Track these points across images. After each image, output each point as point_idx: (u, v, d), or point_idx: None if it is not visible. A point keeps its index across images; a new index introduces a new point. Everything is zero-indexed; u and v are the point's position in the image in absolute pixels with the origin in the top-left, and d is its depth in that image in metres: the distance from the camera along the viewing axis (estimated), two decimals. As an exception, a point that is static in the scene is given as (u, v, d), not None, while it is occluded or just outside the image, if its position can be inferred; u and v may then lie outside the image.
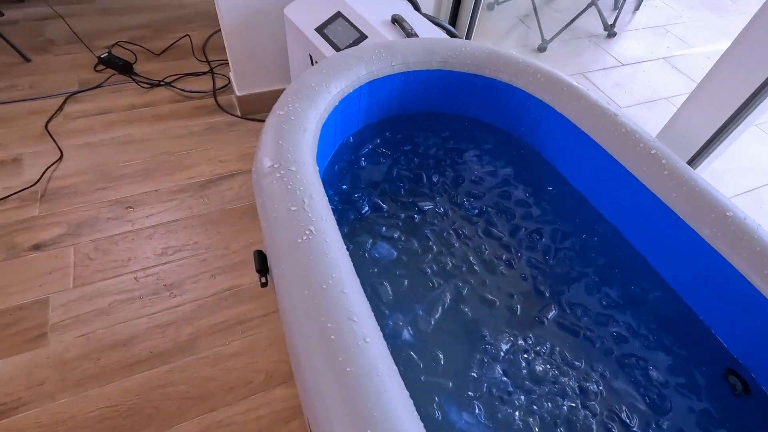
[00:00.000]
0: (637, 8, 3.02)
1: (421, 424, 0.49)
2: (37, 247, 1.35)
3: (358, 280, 0.60)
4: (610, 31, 2.70)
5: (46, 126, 1.67)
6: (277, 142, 0.73)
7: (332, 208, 0.82)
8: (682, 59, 2.65)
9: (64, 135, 1.66)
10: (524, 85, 0.97)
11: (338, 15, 1.31)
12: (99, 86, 1.85)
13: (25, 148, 1.61)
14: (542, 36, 2.53)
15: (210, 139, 1.71)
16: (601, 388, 0.71)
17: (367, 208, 0.87)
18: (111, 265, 1.33)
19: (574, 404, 0.69)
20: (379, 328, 0.56)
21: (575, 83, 0.93)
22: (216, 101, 1.85)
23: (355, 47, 0.95)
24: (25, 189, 1.48)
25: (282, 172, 0.68)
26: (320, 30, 1.31)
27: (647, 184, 0.81)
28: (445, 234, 0.86)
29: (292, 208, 0.64)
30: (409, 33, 1.19)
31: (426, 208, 0.90)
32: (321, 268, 0.58)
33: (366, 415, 0.46)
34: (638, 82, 2.42)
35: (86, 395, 1.10)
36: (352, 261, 0.61)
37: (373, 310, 0.65)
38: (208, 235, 1.43)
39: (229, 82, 1.90)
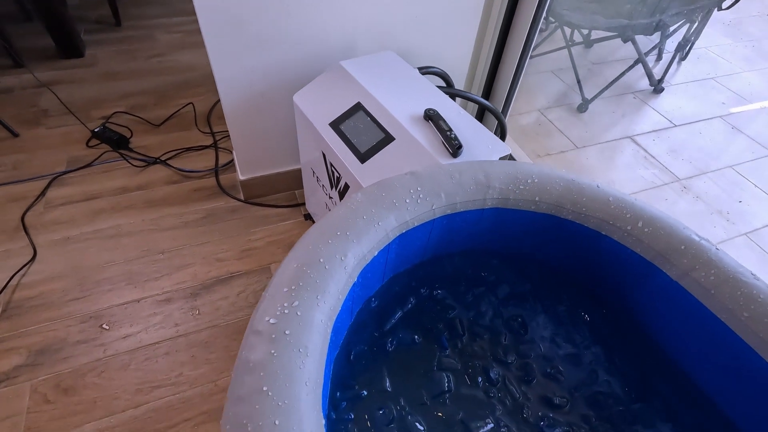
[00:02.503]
0: (683, 58, 2.75)
1: None
2: (-14, 385, 1.11)
3: None
4: (657, 87, 2.43)
5: (23, 218, 1.46)
6: (278, 304, 0.47)
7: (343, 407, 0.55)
8: (740, 117, 2.36)
9: (42, 228, 1.44)
10: (618, 235, 0.70)
11: (358, 107, 1.07)
12: (89, 165, 1.65)
13: (-5, 246, 1.39)
14: (582, 94, 2.27)
15: (208, 230, 1.47)
16: None
17: (394, 413, 0.59)
18: (72, 410, 1.07)
19: None
20: None
21: (701, 239, 0.65)
22: (218, 182, 1.63)
23: (380, 184, 0.69)
24: (-16, 303, 1.25)
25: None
26: (335, 125, 1.07)
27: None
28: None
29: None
30: (448, 137, 0.94)
31: (476, 424, 0.61)
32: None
33: None
34: (695, 146, 2.13)
35: None
36: None
37: None
38: (195, 365, 1.17)
39: (234, 159, 1.68)
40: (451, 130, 0.95)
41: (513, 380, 0.67)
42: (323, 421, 0.44)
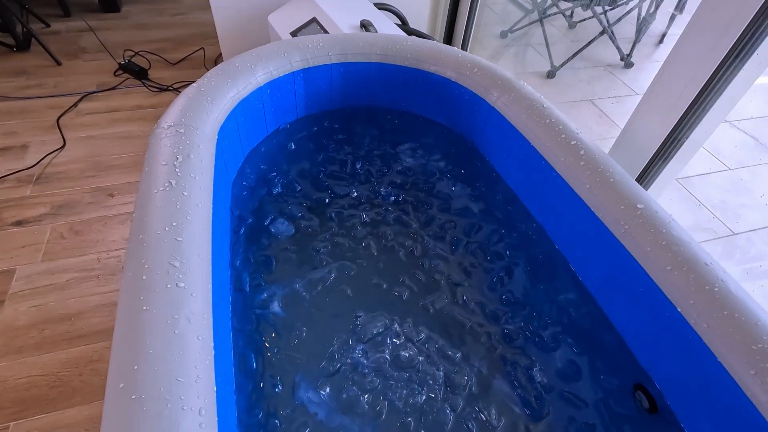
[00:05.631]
0: (660, 41, 2.93)
1: (211, 376, 0.46)
2: (18, 223, 1.44)
3: (208, 236, 0.59)
4: (627, 61, 2.62)
5: (58, 120, 1.82)
6: (180, 108, 0.75)
7: (244, 184, 0.82)
8: (705, 92, 2.51)
9: (72, 128, 1.80)
10: (462, 80, 0.96)
11: (313, 20, 1.36)
12: (113, 88, 2.01)
13: (35, 137, 1.76)
14: (551, 62, 2.49)
15: (201, 139, 1.79)
16: (471, 383, 0.64)
17: (279, 188, 0.86)
18: (80, 244, 1.40)
19: (433, 395, 0.62)
20: (208, 279, 0.54)
21: (509, 75, 0.91)
22: (214, 106, 1.95)
23: (296, 37, 0.98)
24: (22, 170, 1.60)
25: (170, 132, 0.70)
26: (294, 34, 1.37)
27: (563, 175, 0.75)
28: (351, 217, 0.84)
29: (163, 164, 0.65)
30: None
31: (341, 192, 0.88)
32: (165, 215, 0.57)
33: (141, 351, 0.44)
34: (651, 111, 2.31)
35: (23, 362, 1.13)
36: (246, 235, 0.61)
37: (249, 282, 0.65)
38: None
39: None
40: (377, 32, 1.22)
41: (374, 171, 0.93)
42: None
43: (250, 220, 0.80)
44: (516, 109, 0.86)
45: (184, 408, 0.42)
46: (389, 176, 0.92)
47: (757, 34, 0.76)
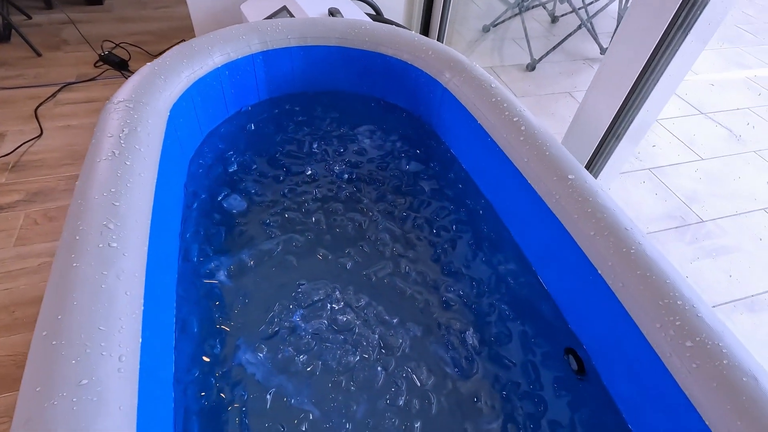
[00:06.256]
0: (641, 35, 2.96)
1: (137, 328, 0.48)
2: (-8, 209, 1.46)
3: (148, 204, 0.61)
4: (604, 52, 2.65)
5: (36, 109, 1.83)
6: (132, 86, 0.77)
7: (201, 162, 0.84)
8: (683, 86, 2.55)
9: (50, 118, 1.81)
10: (418, 62, 0.98)
11: (283, 9, 1.38)
12: (93, 79, 2.02)
13: (12, 126, 1.77)
14: (531, 55, 2.52)
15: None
16: (405, 345, 0.66)
17: (235, 166, 0.89)
18: (53, 230, 1.41)
19: (367, 356, 0.65)
20: (144, 242, 0.56)
21: (462, 57, 0.93)
22: (193, 97, 1.96)
23: (255, 21, 1.00)
24: (-2, 158, 1.61)
25: (119, 107, 0.72)
26: (264, 22, 1.39)
27: (505, 150, 0.78)
28: (303, 194, 0.86)
29: (109, 135, 0.67)
30: (334, 21, 1.23)
31: (296, 170, 0.90)
32: (105, 182, 0.59)
33: (68, 303, 0.46)
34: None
35: (-8, 342, 1.15)
36: (199, 209, 0.63)
37: (197, 253, 0.68)
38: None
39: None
40: (343, 17, 1.25)
41: (330, 151, 0.96)
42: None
43: (204, 196, 0.82)
44: (466, 89, 0.88)
45: (103, 354, 0.44)
46: (345, 156, 0.95)
47: (692, 13, 0.79)
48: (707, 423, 0.48)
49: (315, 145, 0.95)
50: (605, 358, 0.64)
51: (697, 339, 0.50)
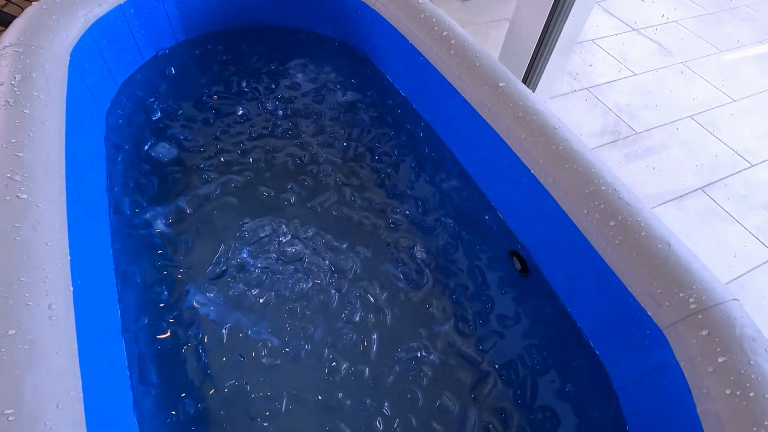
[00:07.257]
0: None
1: (65, 277, 0.46)
2: None
3: (59, 152, 0.57)
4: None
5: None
6: (20, 28, 0.68)
7: (120, 113, 0.78)
8: (618, 4, 2.59)
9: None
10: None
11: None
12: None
13: None
14: (466, -19, 2.45)
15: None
16: (356, 267, 0.68)
17: (159, 113, 0.83)
18: None
19: (319, 281, 0.66)
20: (61, 192, 0.53)
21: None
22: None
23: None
24: None
25: (7, 52, 0.64)
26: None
27: (437, 66, 0.77)
28: (237, 134, 0.83)
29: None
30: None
31: (226, 111, 0.86)
32: (2, 133, 0.54)
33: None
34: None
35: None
36: (124, 162, 0.58)
37: (129, 205, 0.65)
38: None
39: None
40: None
41: (261, 89, 0.92)
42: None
43: (128, 147, 0.76)
44: (393, 8, 0.85)
45: (29, 304, 0.42)
46: (278, 92, 0.91)
47: None
48: (630, 290, 0.52)
49: (244, 84, 0.89)
50: (544, 253, 0.68)
51: (619, 218, 0.54)
